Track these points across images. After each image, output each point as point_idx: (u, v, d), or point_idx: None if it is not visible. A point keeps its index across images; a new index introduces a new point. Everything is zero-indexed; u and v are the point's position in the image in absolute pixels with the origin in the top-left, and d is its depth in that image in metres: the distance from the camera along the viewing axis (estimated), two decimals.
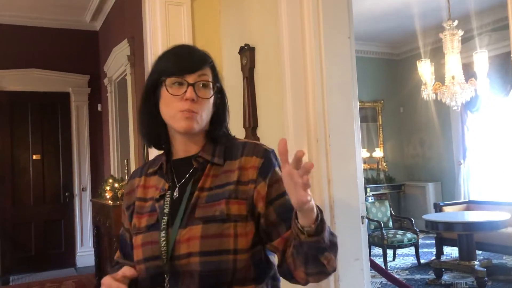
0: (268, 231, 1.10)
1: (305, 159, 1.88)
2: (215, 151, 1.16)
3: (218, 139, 1.19)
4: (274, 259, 1.18)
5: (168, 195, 1.14)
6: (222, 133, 1.20)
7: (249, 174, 1.11)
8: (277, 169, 1.13)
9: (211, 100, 1.15)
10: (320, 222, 0.97)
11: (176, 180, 1.17)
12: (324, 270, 1.03)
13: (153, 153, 2.12)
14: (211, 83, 1.14)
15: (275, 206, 1.09)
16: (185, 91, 1.10)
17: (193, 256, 1.04)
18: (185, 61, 1.14)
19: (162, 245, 1.08)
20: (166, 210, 1.12)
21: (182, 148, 1.19)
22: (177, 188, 1.15)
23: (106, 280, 1.06)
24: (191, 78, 1.12)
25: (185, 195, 1.12)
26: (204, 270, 1.03)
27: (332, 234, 1.04)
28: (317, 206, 0.99)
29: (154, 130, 1.19)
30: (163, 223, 1.10)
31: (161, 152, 1.24)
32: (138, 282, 1.12)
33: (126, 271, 1.07)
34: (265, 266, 1.13)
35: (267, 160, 1.13)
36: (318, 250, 0.99)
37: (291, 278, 1.09)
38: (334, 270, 1.07)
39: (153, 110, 1.17)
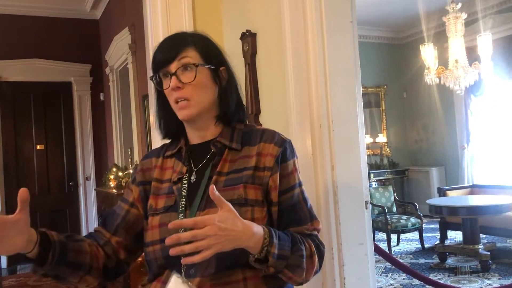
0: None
1: (308, 145, 1.88)
2: (233, 137, 1.18)
3: (231, 118, 1.20)
4: None
5: (186, 178, 1.16)
6: (234, 113, 1.21)
7: (266, 161, 1.13)
8: (291, 161, 1.16)
9: (205, 79, 1.15)
10: (265, 253, 1.01)
11: (192, 165, 1.18)
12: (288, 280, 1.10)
13: (156, 141, 2.12)
14: (193, 64, 1.13)
15: (282, 199, 1.13)
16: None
17: None
18: (164, 51, 1.15)
19: None
20: (184, 193, 1.14)
21: (196, 135, 1.21)
22: (194, 172, 1.17)
23: None
24: (173, 66, 1.13)
25: (204, 179, 1.13)
26: (220, 253, 1.03)
27: (297, 255, 1.06)
28: (269, 236, 1.02)
29: (172, 122, 1.22)
30: (181, 205, 1.12)
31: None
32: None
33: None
34: None
35: (285, 151, 1.16)
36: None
37: None
38: (302, 283, 1.11)
39: (166, 105, 1.20)
